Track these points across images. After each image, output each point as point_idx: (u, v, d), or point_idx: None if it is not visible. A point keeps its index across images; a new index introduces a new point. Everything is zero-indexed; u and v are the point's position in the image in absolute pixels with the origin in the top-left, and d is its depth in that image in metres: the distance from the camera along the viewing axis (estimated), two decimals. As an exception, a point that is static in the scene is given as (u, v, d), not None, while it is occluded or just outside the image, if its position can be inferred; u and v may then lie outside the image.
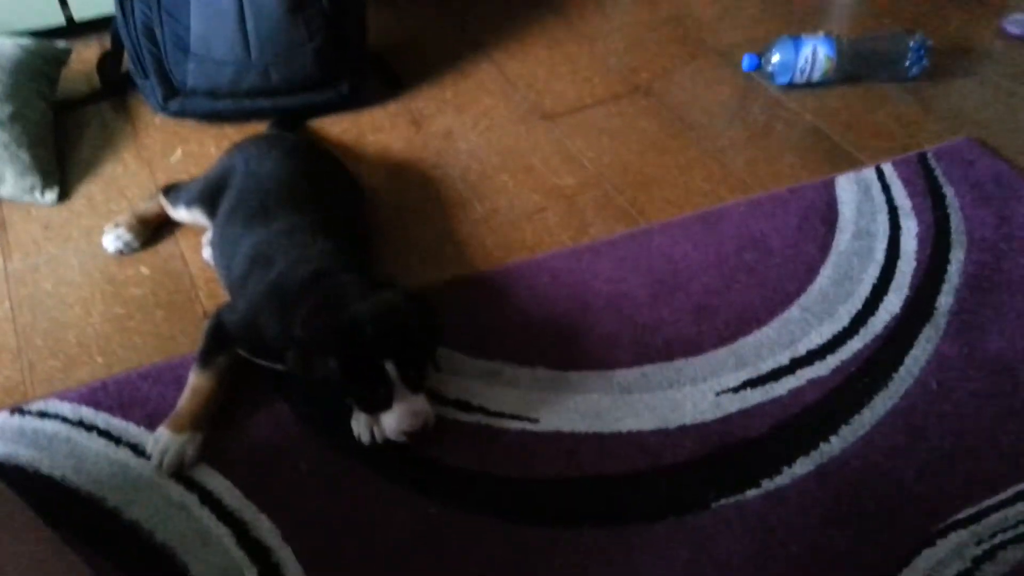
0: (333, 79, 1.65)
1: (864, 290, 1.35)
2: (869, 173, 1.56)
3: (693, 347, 1.28)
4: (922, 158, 1.58)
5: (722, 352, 1.27)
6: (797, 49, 1.72)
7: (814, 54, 1.71)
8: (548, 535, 1.05)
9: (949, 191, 1.51)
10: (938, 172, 1.55)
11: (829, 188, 1.53)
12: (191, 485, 1.09)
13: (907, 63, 1.72)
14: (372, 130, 1.67)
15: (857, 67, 1.74)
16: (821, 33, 1.73)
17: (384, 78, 1.79)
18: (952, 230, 1.44)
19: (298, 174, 1.32)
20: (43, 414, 1.16)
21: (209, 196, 1.33)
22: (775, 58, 1.75)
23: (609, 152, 1.64)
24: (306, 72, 1.61)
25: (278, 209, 1.25)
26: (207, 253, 1.35)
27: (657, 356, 1.27)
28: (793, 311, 1.32)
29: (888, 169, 1.56)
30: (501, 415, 1.18)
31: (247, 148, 1.37)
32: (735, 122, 1.69)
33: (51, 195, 1.49)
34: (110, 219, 1.44)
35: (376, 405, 1.07)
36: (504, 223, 1.49)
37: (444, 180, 1.57)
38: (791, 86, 1.76)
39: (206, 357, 1.16)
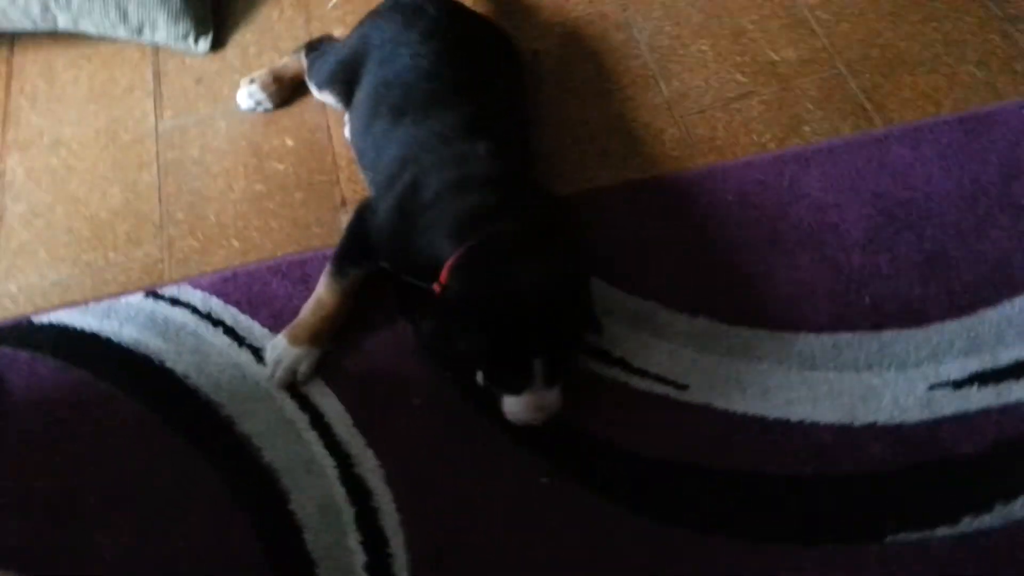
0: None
1: None
2: None
3: (912, 315, 0.99)
4: None
5: (951, 327, 0.97)
6: None
7: None
8: (667, 533, 0.89)
9: None
10: None
11: None
12: (304, 404, 1.03)
13: None
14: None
15: None
16: None
17: None
18: None
19: (445, 58, 1.10)
20: (175, 301, 1.13)
21: (343, 79, 1.17)
22: None
23: (852, 14, 1.25)
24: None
25: (427, 103, 1.07)
26: (348, 132, 1.21)
27: (859, 321, 0.99)
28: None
29: None
30: (644, 374, 1.00)
31: (383, 25, 1.15)
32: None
33: (204, 43, 1.40)
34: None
35: (508, 390, 0.93)
36: (692, 111, 1.21)
37: (626, 47, 1.28)
38: None
39: (339, 265, 1.06)
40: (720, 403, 0.96)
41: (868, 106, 1.16)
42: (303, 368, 1.03)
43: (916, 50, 1.20)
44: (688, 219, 1.10)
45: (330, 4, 1.43)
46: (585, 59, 1.28)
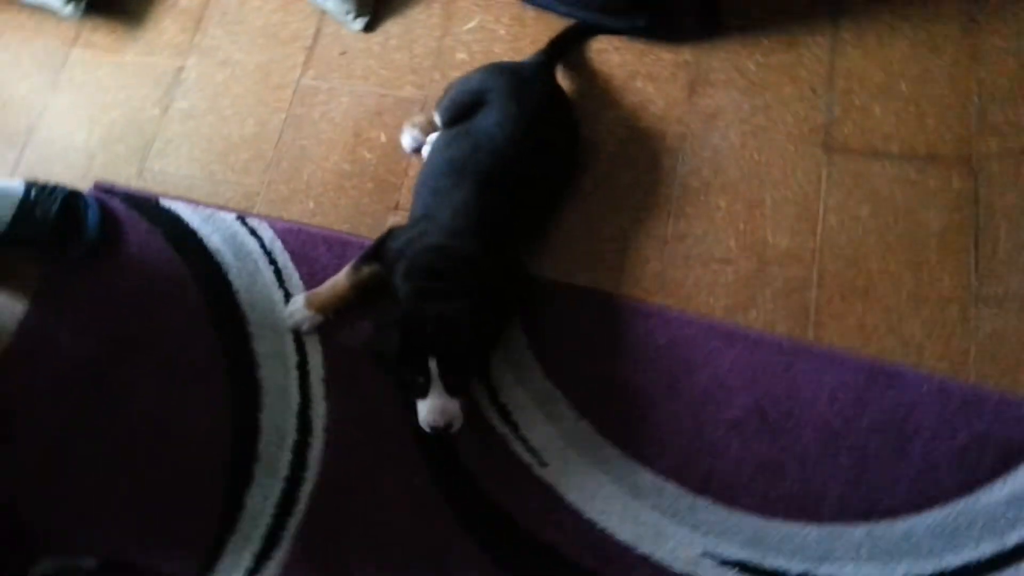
0: (632, 7, 1.55)
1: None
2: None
3: (728, 497, 1.26)
4: None
5: (748, 519, 1.25)
6: None
7: None
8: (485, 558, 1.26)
9: None
10: None
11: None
12: (300, 348, 1.43)
13: None
14: (645, 76, 1.58)
15: None
16: None
17: (703, 16, 1.61)
18: None
19: (518, 140, 1.37)
20: (253, 231, 1.53)
21: (450, 115, 1.45)
22: None
23: (856, 228, 1.41)
24: (599, 1, 1.53)
25: (475, 172, 1.35)
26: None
27: (690, 480, 1.28)
28: (849, 533, 1.21)
29: None
30: (525, 441, 1.33)
31: (497, 83, 1.42)
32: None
33: (359, 23, 1.70)
34: (384, 65, 1.64)
35: (414, 390, 1.27)
36: (679, 255, 1.44)
37: (666, 174, 1.50)
38: None
39: (360, 261, 1.41)
40: (561, 488, 1.29)
41: (811, 318, 1.36)
42: (305, 326, 1.42)
43: (883, 288, 1.36)
44: (620, 341, 1.37)
45: (468, 25, 1.69)
46: (628, 167, 1.51)
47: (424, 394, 1.26)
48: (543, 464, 1.31)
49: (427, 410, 1.26)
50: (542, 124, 1.41)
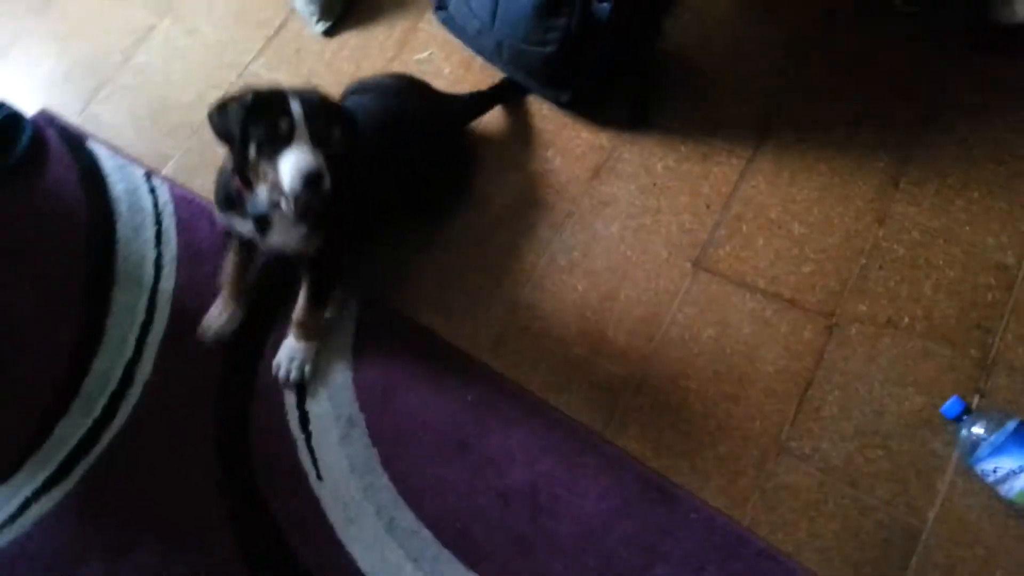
0: (556, 83, 1.60)
1: None
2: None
3: (470, 558, 1.28)
4: None
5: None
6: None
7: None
8: None
9: None
10: None
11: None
12: (151, 310, 1.51)
13: None
14: (559, 148, 1.62)
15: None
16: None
17: (632, 108, 1.64)
18: None
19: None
20: (153, 191, 1.63)
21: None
22: (978, 430, 1.25)
23: (693, 346, 1.42)
24: (531, 67, 1.58)
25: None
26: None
27: (445, 535, 1.31)
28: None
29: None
30: (312, 452, 1.38)
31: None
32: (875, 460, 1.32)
33: (320, 26, 1.79)
34: (330, 71, 1.73)
35: (277, 139, 1.14)
36: (520, 323, 1.47)
37: (539, 243, 1.53)
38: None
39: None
40: (326, 503, 1.33)
41: (616, 418, 1.37)
42: (226, 325, 1.47)
43: (695, 411, 1.37)
44: (434, 386, 1.41)
45: (420, 56, 1.76)
46: (507, 228, 1.55)
47: (287, 142, 1.13)
48: (320, 478, 1.35)
49: (292, 163, 1.12)
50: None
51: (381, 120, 1.42)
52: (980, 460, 1.22)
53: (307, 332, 1.39)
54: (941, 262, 1.44)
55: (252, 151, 1.17)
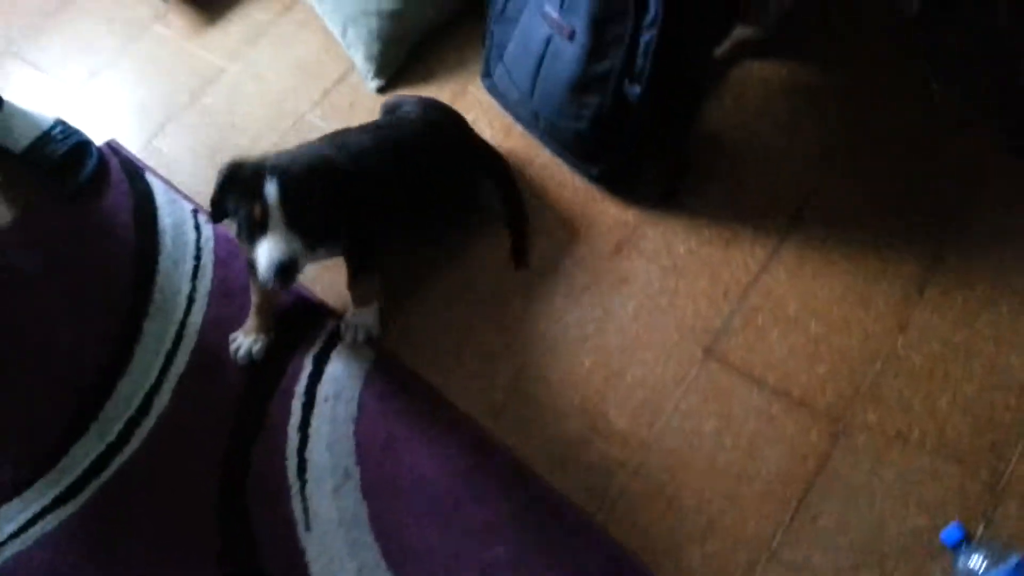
0: (588, 157, 1.63)
1: None
2: None
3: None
4: None
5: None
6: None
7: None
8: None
9: None
10: None
11: None
12: (177, 341, 1.59)
13: None
14: (584, 220, 1.65)
15: None
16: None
17: (661, 187, 1.66)
18: None
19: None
20: (198, 227, 1.72)
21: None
22: (976, 563, 1.20)
23: (694, 437, 1.41)
24: (565, 140, 1.62)
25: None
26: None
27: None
28: None
29: None
30: (304, 500, 1.41)
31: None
32: None
33: (375, 83, 1.86)
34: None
35: (252, 226, 1.17)
36: (526, 393, 1.49)
37: (554, 313, 1.55)
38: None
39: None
40: (310, 556, 1.35)
41: (607, 503, 1.36)
42: (254, 349, 1.52)
43: (688, 505, 1.35)
44: (432, 447, 1.43)
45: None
46: (523, 294, 1.57)
47: (263, 230, 1.15)
48: (308, 528, 1.39)
49: (264, 254, 1.14)
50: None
51: (394, 149, 1.49)
52: (974, 596, 1.17)
53: (361, 299, 1.48)
54: (960, 377, 1.40)
55: (235, 228, 1.22)
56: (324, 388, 1.51)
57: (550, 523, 1.34)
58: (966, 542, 1.22)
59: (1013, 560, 1.17)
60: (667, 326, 1.51)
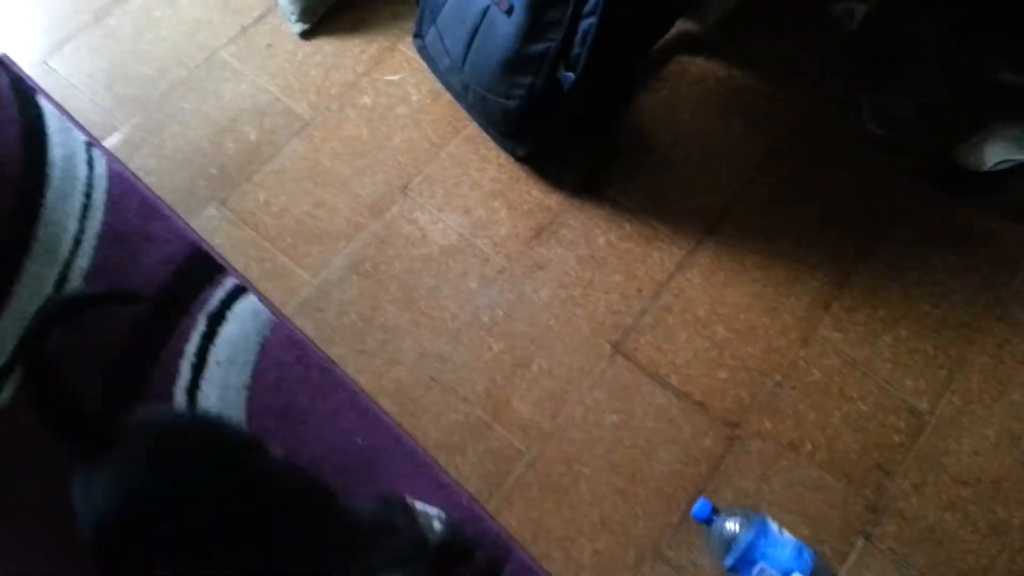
0: (515, 137, 1.57)
1: None
2: None
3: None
4: None
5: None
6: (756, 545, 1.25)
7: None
8: None
9: None
10: None
11: None
12: (60, 283, 1.46)
13: None
14: (506, 200, 1.60)
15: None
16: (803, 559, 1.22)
17: (586, 175, 1.63)
18: None
19: None
20: (90, 162, 1.58)
21: None
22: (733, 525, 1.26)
23: (594, 431, 1.40)
24: (493, 116, 1.56)
25: None
26: None
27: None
28: None
29: None
30: None
31: None
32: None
33: (298, 27, 1.75)
34: (296, 74, 1.70)
35: None
36: (428, 373, 1.45)
37: (463, 294, 1.51)
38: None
39: None
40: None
41: (503, 491, 1.35)
42: None
43: (583, 499, 1.35)
44: (331, 424, 1.37)
45: (390, 77, 1.73)
46: (440, 274, 1.53)
47: None
48: None
49: None
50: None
51: None
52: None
53: None
54: (855, 395, 1.44)
55: None
56: (217, 351, 1.42)
57: (444, 507, 1.31)
58: (716, 512, 1.29)
59: (757, 519, 1.26)
60: (579, 317, 1.49)
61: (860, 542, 1.32)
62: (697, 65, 1.78)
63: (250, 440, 1.01)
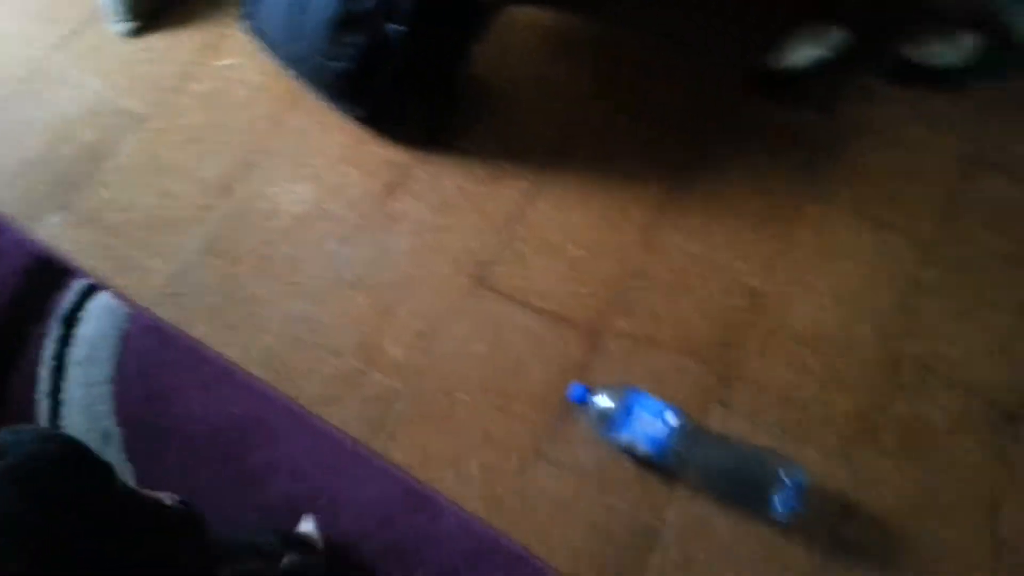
0: (352, 98, 1.63)
1: None
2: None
3: None
4: None
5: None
6: (629, 410, 1.36)
7: (635, 439, 1.34)
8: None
9: None
10: None
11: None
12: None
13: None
14: (353, 162, 1.65)
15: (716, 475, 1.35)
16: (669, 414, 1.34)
17: (429, 128, 1.70)
18: None
19: None
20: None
21: None
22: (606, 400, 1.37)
23: (466, 360, 1.47)
24: (327, 81, 1.61)
25: None
26: None
27: None
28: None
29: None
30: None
31: None
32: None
33: (121, 27, 1.75)
34: (126, 73, 1.70)
35: None
36: (291, 334, 1.48)
37: (323, 255, 1.55)
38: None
39: None
40: None
41: (386, 429, 1.40)
42: None
43: (462, 421, 1.41)
44: (200, 399, 1.40)
45: (221, 62, 1.76)
46: (292, 241, 1.56)
47: None
48: None
49: None
50: None
51: None
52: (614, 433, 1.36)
53: None
54: (699, 285, 1.56)
55: None
56: (75, 352, 1.42)
57: (329, 456, 1.36)
58: (590, 392, 1.39)
59: (627, 389, 1.38)
60: (439, 260, 1.56)
61: (718, 409, 1.43)
62: (525, 13, 1.88)
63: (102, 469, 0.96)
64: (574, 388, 1.40)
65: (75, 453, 0.89)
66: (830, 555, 1.31)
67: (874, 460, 1.38)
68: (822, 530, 1.33)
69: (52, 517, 0.83)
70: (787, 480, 1.29)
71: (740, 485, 1.34)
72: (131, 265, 1.51)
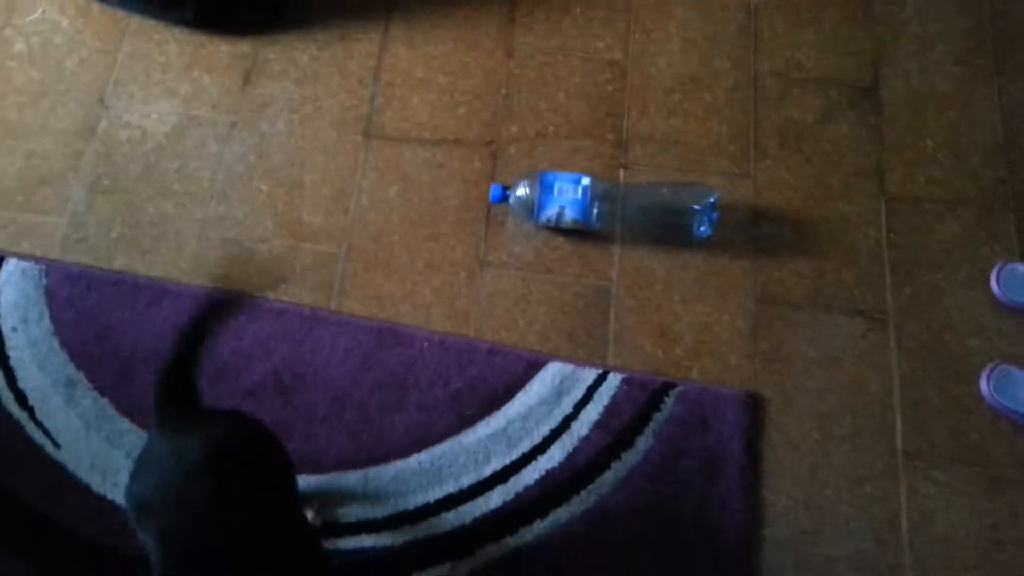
0: (175, 3, 1.60)
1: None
2: (589, 375, 1.39)
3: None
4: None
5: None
6: (549, 187, 1.46)
7: (560, 210, 1.46)
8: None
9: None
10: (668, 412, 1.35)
11: (532, 369, 1.39)
12: None
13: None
14: (203, 67, 1.64)
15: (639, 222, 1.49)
16: (584, 178, 1.46)
17: (262, 10, 1.69)
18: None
19: None
20: None
21: None
22: (524, 190, 1.48)
23: (384, 207, 1.53)
24: (139, -7, 1.57)
25: None
26: None
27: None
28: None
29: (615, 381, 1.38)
30: (40, 424, 1.33)
31: None
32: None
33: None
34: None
35: None
36: (215, 238, 1.50)
37: (211, 160, 1.55)
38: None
39: None
40: (72, 467, 1.31)
41: (336, 289, 1.46)
42: None
43: (402, 260, 1.49)
44: (145, 320, 1.40)
45: (32, 16, 1.67)
46: (175, 155, 1.55)
47: None
48: (56, 445, 1.32)
49: None
50: None
51: None
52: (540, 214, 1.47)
53: None
54: (565, 74, 1.65)
55: None
56: (6, 321, 1.39)
57: (293, 331, 1.41)
58: (507, 188, 1.50)
59: (539, 174, 1.48)
60: (322, 128, 1.59)
61: (622, 172, 1.56)
62: None
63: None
64: (493, 188, 1.49)
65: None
66: (755, 257, 1.48)
67: (767, 168, 1.55)
68: (742, 239, 1.49)
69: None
70: (699, 206, 1.44)
71: (663, 223, 1.48)
72: (25, 227, 1.47)
